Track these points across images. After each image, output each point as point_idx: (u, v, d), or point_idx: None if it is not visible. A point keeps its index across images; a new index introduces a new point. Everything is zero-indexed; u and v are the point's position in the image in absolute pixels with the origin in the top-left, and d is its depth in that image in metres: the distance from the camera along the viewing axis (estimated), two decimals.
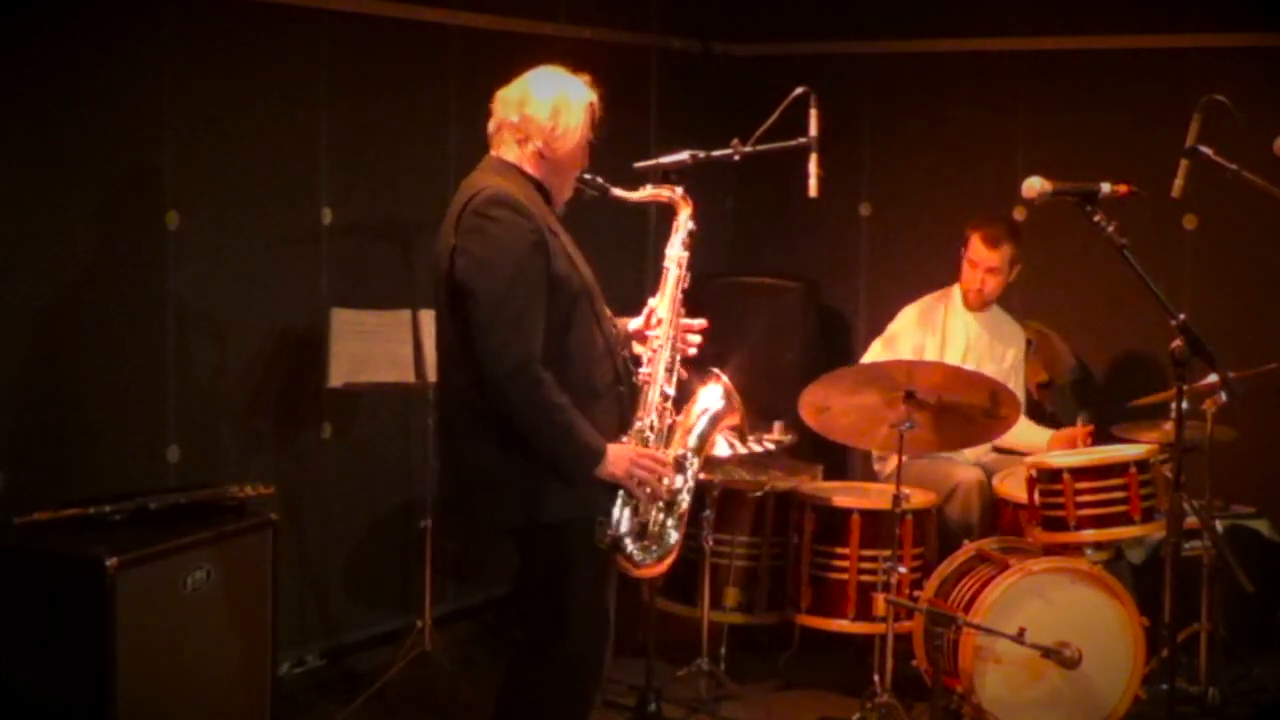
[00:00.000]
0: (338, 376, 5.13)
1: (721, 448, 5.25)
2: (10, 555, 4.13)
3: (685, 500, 3.88)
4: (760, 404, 5.76)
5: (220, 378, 5.19)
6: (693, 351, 4.01)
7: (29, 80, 4.57)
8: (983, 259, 5.68)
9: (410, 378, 5.17)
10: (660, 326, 3.96)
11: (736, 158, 4.36)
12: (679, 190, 4.05)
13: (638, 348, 3.99)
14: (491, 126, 3.89)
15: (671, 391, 3.91)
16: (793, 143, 4.40)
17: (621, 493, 3.75)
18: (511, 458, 3.70)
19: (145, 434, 4.97)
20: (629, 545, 3.78)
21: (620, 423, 3.83)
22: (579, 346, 3.76)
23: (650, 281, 4.06)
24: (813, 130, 4.41)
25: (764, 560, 5.48)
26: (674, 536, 3.84)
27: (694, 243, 4.02)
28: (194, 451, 5.07)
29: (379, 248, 5.61)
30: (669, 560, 3.86)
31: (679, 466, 3.86)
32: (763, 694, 5.39)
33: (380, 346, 5.15)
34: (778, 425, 5.46)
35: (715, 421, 3.98)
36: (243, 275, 5.23)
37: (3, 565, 4.12)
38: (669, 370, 3.91)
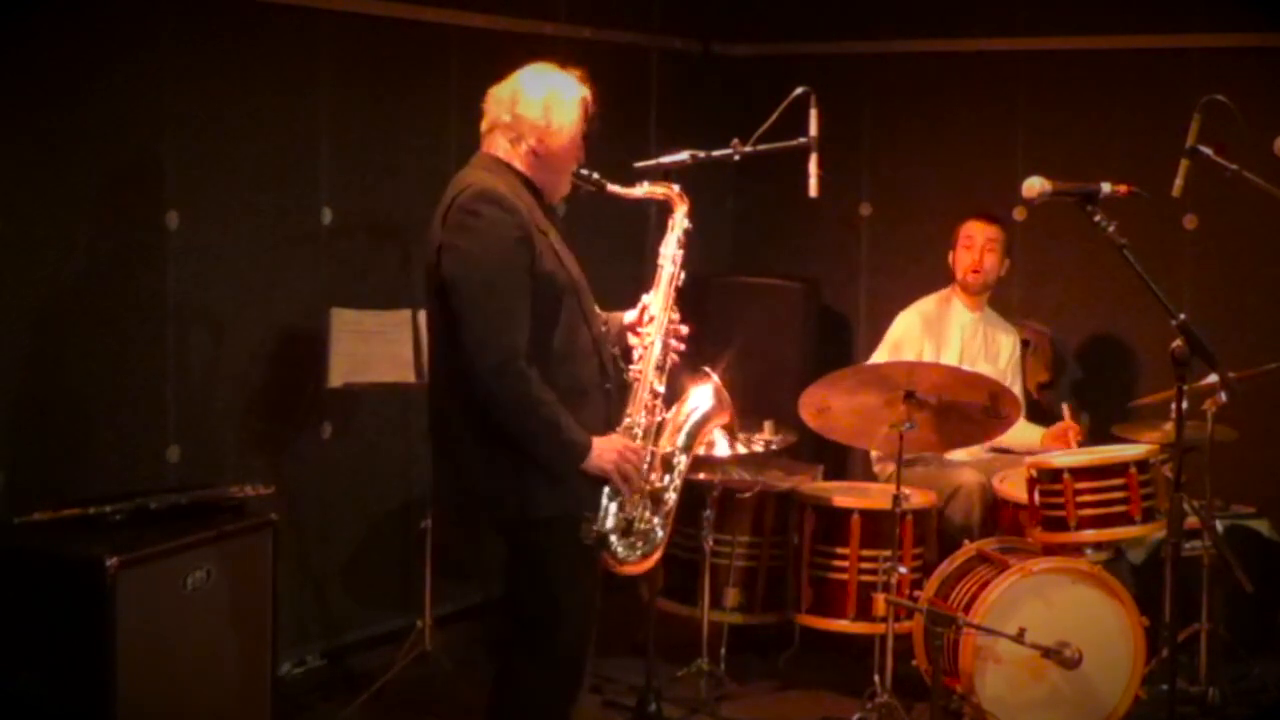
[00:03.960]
0: (338, 376, 5.13)
1: (721, 448, 5.26)
2: (10, 555, 4.13)
3: (672, 498, 3.87)
4: (760, 404, 5.78)
5: (220, 378, 5.19)
6: (681, 347, 4.00)
7: (29, 80, 4.57)
8: (979, 232, 5.74)
9: (410, 378, 5.17)
10: (652, 324, 3.95)
11: (736, 158, 4.36)
12: (676, 188, 4.05)
13: (631, 339, 3.99)
14: (484, 126, 3.89)
15: (661, 389, 3.90)
16: (793, 143, 4.40)
17: (607, 488, 3.75)
18: (500, 454, 3.70)
19: (145, 434, 4.97)
20: (614, 541, 3.77)
21: (607, 420, 3.82)
22: (564, 344, 3.76)
23: (647, 279, 4.06)
24: (813, 130, 4.41)
25: (764, 560, 5.48)
26: (660, 534, 3.83)
27: (690, 241, 4.02)
28: (194, 451, 5.07)
29: (379, 248, 5.61)
30: (655, 558, 3.85)
31: (666, 464, 3.86)
32: (763, 694, 5.39)
33: (380, 346, 5.15)
34: (768, 425, 5.43)
35: (705, 421, 3.97)
36: (243, 275, 5.23)
37: (3, 565, 4.12)
38: (659, 368, 3.91)
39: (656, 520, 3.83)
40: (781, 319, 6.63)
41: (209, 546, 4.33)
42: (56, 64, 4.62)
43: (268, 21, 5.21)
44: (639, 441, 3.82)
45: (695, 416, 3.97)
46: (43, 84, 4.61)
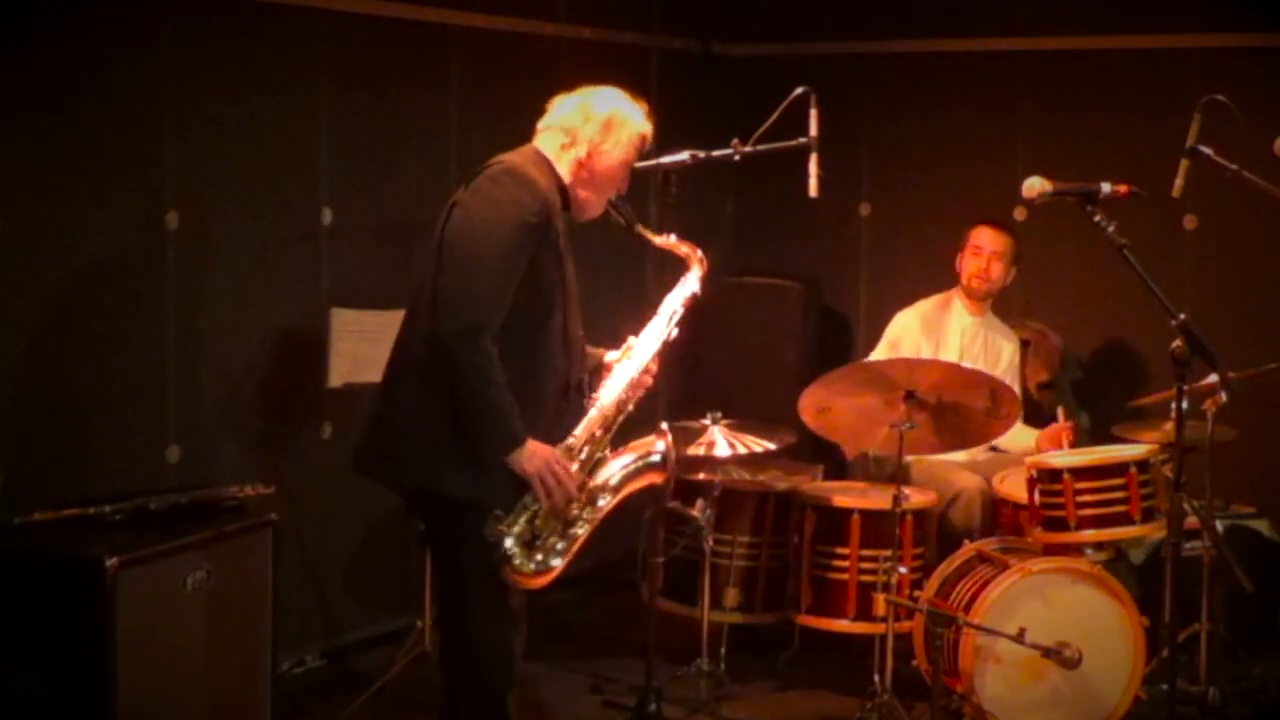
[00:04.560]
0: (338, 376, 5.13)
1: (721, 448, 5.26)
2: (10, 555, 4.13)
3: (583, 530, 3.82)
4: (760, 404, 5.78)
5: (220, 378, 5.19)
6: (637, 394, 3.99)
7: (30, 81, 4.57)
8: (988, 242, 5.75)
9: None
10: (629, 363, 3.96)
11: (736, 158, 4.37)
12: (699, 251, 4.06)
13: (605, 374, 3.99)
14: (540, 124, 3.90)
15: (614, 426, 3.89)
16: (793, 143, 4.41)
17: (527, 495, 3.72)
18: (430, 422, 3.70)
19: (145, 434, 4.97)
20: (512, 546, 3.72)
21: (550, 431, 3.79)
22: (539, 343, 3.77)
23: (639, 292, 4.06)
24: (813, 130, 4.41)
25: (764, 560, 5.48)
26: (557, 561, 3.78)
27: (693, 304, 4.02)
28: (194, 451, 5.07)
29: (379, 248, 5.61)
30: (545, 579, 3.79)
31: (591, 498, 3.82)
32: (763, 694, 5.39)
33: (380, 346, 5.09)
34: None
35: (642, 472, 3.92)
36: (243, 275, 5.23)
37: (3, 565, 4.11)
38: (617, 405, 3.90)
39: (559, 546, 3.78)
40: (781, 319, 6.63)
41: (209, 546, 4.33)
42: (56, 64, 4.62)
43: (268, 21, 5.21)
44: (575, 466, 3.80)
45: (634, 466, 3.91)
46: (43, 84, 4.60)
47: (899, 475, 4.97)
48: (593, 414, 3.87)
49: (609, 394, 3.91)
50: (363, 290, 5.38)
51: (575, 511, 3.80)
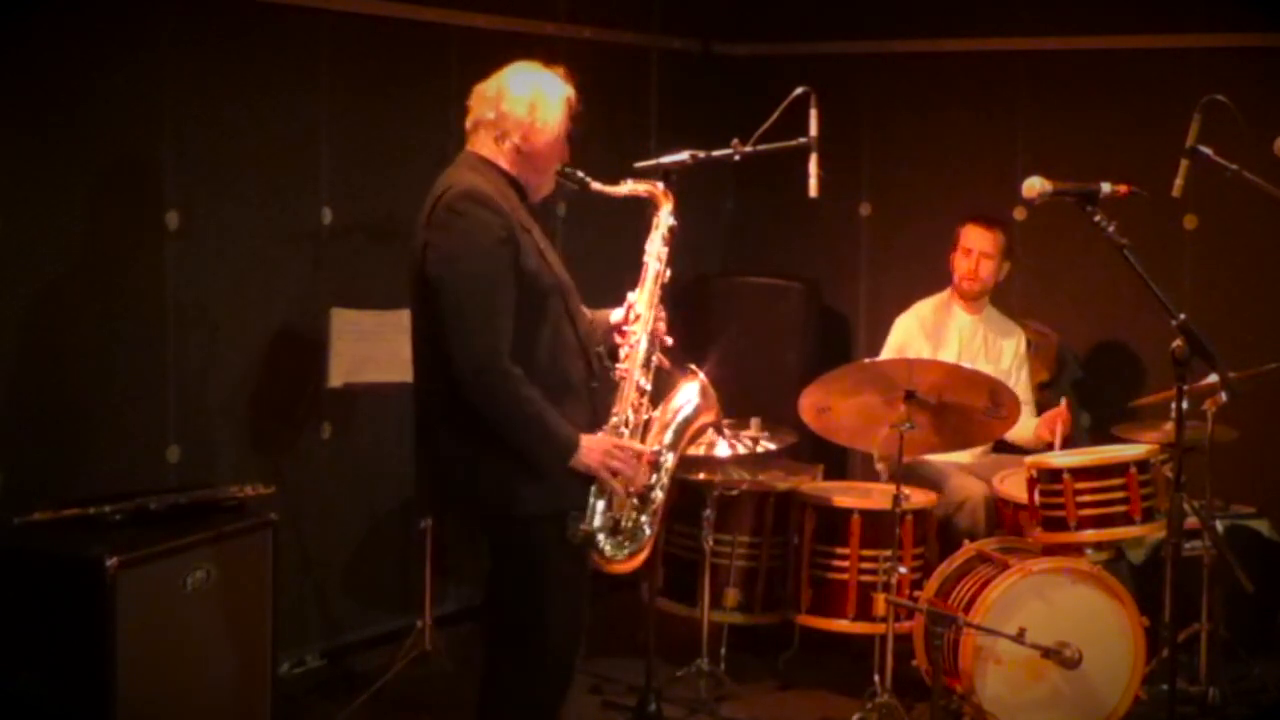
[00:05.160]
0: (338, 376, 5.13)
1: (722, 448, 5.26)
2: (10, 555, 4.13)
3: (659, 496, 3.86)
4: (760, 404, 5.77)
5: (220, 378, 5.19)
6: (669, 340, 4.00)
7: (29, 80, 4.57)
8: (976, 242, 5.73)
9: (410, 378, 5.15)
10: (638, 322, 3.95)
11: (736, 158, 4.36)
12: (660, 185, 4.04)
13: (617, 338, 3.99)
14: (469, 123, 3.88)
15: (647, 387, 3.90)
16: (793, 143, 4.40)
17: (594, 486, 3.75)
18: (486, 451, 3.70)
19: (145, 434, 4.97)
20: (601, 540, 3.77)
21: (593, 419, 3.82)
22: (550, 343, 3.76)
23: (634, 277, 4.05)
24: (813, 130, 4.40)
25: (764, 560, 5.47)
26: (647, 531, 3.83)
27: (675, 239, 4.01)
28: (194, 451, 5.07)
29: (379, 248, 5.60)
30: (643, 555, 3.84)
31: (653, 463, 3.85)
32: (763, 694, 5.39)
33: (380, 346, 5.15)
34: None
35: (692, 419, 3.96)
36: (242, 275, 5.23)
37: (3, 565, 4.12)
38: (645, 365, 3.90)
39: (644, 518, 3.82)
40: (781, 319, 6.63)
41: (209, 546, 4.33)
42: (56, 64, 4.62)
43: (268, 21, 5.21)
44: (626, 439, 3.82)
45: (682, 415, 3.95)
46: (43, 84, 4.61)
47: (899, 475, 4.97)
48: (624, 384, 3.88)
49: (632, 359, 3.90)
50: (363, 290, 5.38)
51: (646, 481, 3.82)
